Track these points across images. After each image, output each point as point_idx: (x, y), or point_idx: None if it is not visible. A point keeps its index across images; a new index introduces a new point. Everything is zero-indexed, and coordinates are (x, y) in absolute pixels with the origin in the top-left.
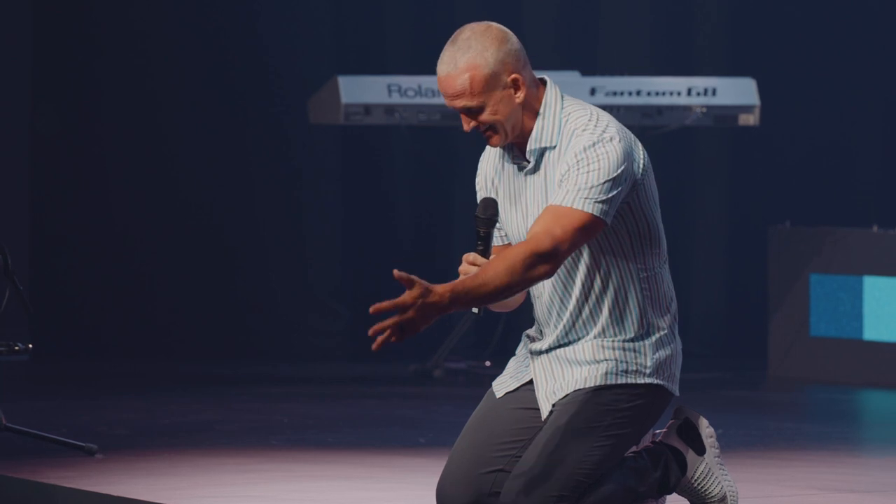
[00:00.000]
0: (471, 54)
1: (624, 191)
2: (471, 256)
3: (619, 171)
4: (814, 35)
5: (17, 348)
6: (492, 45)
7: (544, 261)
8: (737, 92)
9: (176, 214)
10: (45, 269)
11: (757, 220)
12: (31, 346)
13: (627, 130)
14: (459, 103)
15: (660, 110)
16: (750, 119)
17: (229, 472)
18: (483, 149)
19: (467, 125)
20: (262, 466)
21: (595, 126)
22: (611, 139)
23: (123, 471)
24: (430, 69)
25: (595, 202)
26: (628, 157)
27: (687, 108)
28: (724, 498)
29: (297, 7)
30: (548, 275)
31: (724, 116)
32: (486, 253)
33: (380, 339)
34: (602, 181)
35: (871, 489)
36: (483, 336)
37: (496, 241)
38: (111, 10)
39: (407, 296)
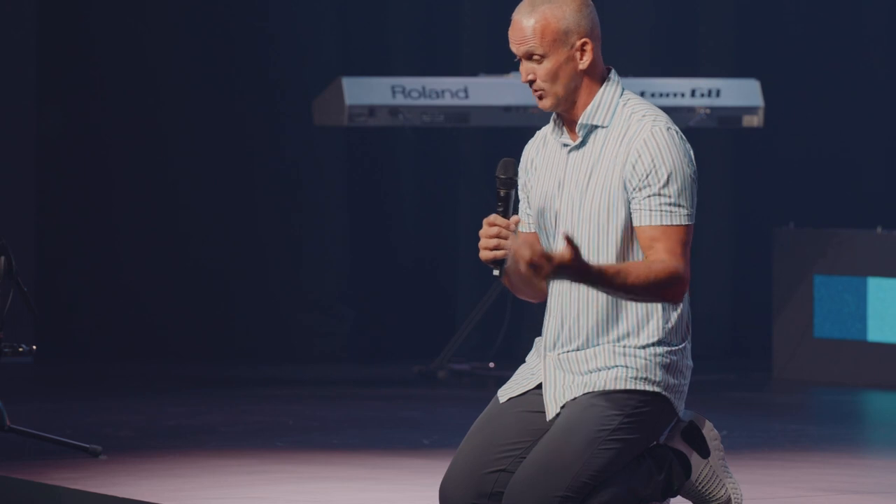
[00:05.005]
0: (551, 6)
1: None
2: (491, 218)
3: (692, 162)
4: (817, 36)
5: (21, 350)
6: (573, 3)
7: (683, 284)
8: (741, 93)
9: (178, 215)
10: (50, 270)
11: (761, 221)
12: (35, 347)
13: None
14: (524, 48)
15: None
16: (754, 120)
17: (235, 474)
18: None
19: (525, 76)
20: (268, 468)
21: (657, 115)
22: (676, 130)
23: (128, 472)
24: (434, 70)
25: (683, 210)
26: (689, 149)
27: (691, 110)
28: (728, 500)
29: (300, 7)
30: (679, 299)
31: (728, 118)
32: (506, 214)
33: (497, 254)
34: (683, 180)
35: (874, 490)
36: (487, 338)
37: (525, 227)
38: (114, 11)
39: (559, 255)
